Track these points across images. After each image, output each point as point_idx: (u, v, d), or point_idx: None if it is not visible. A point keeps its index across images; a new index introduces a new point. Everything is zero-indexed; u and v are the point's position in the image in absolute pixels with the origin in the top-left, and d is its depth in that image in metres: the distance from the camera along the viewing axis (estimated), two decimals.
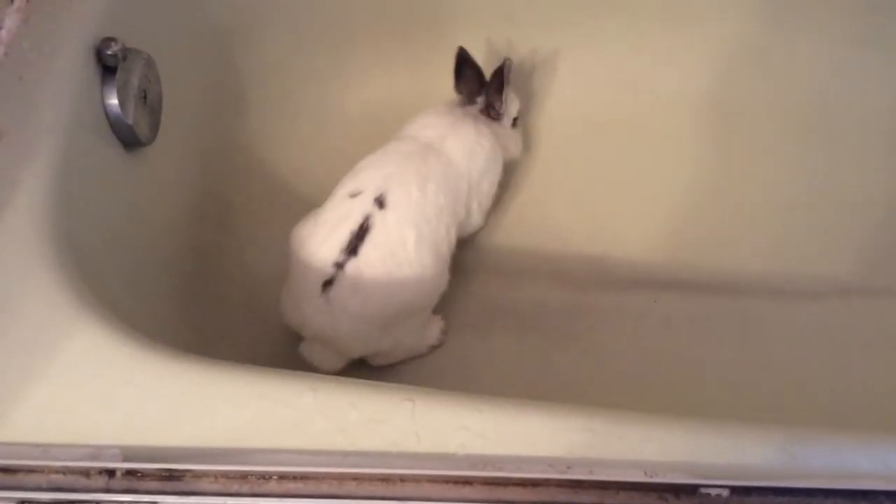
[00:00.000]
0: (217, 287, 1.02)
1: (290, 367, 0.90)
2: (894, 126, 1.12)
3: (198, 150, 1.04)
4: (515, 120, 1.08)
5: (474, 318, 1.02)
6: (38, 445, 0.61)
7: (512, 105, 1.06)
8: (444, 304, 1.03)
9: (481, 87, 1.03)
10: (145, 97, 0.87)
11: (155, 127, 0.91)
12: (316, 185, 1.11)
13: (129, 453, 0.61)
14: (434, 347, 1.00)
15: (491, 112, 1.04)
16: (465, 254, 1.07)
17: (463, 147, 0.98)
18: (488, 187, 1.02)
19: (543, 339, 1.00)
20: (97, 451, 0.61)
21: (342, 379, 0.66)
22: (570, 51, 1.17)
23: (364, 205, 0.89)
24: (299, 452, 0.61)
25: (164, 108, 0.93)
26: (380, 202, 0.89)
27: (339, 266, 0.87)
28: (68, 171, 0.74)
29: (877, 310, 0.99)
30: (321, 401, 0.63)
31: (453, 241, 0.95)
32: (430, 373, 0.97)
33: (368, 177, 0.91)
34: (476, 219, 1.02)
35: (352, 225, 0.88)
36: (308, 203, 1.10)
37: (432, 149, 0.96)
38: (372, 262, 0.87)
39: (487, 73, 1.02)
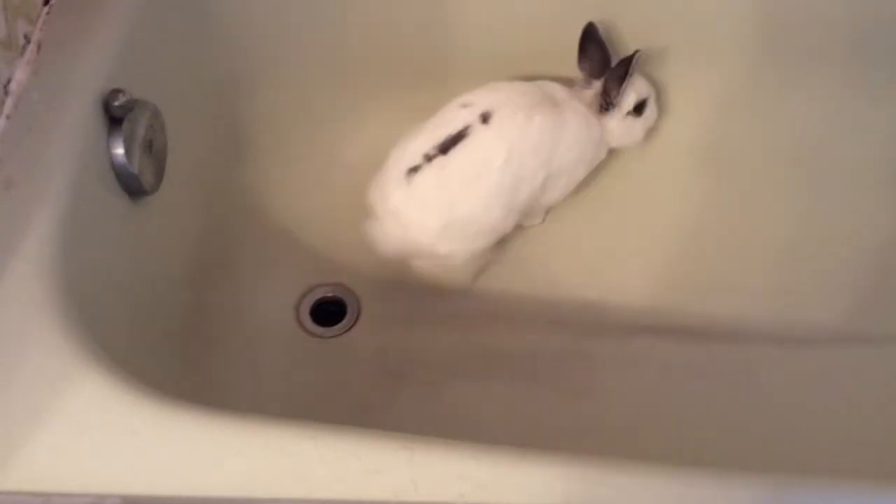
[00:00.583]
0: (219, 336, 1.03)
1: (291, 417, 0.91)
2: (883, 172, 1.14)
3: (201, 198, 1.05)
4: (639, 107, 1.07)
5: (472, 365, 1.02)
6: (38, 494, 0.62)
7: (629, 95, 1.05)
8: (444, 349, 1.04)
9: (603, 70, 1.04)
10: (151, 146, 0.89)
11: (159, 176, 0.92)
12: (319, 234, 1.13)
13: (130, 502, 0.61)
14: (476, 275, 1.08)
15: (604, 100, 1.04)
16: (462, 302, 1.08)
17: (579, 128, 1.02)
18: (580, 172, 1.06)
19: (541, 386, 1.00)
20: (98, 501, 0.61)
21: (342, 427, 0.66)
22: None
23: (469, 115, 0.97)
24: (300, 502, 0.61)
25: (169, 157, 0.95)
26: (484, 117, 0.96)
27: (428, 158, 0.96)
28: (74, 220, 0.76)
29: (874, 357, 0.99)
30: (321, 449, 0.63)
31: (525, 197, 1.00)
32: (428, 420, 0.97)
33: (484, 94, 0.99)
34: (553, 195, 1.05)
35: (451, 129, 0.96)
36: (310, 251, 1.12)
37: (554, 101, 1.02)
38: (457, 164, 0.96)
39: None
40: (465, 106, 0.98)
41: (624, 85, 1.02)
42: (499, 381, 1.01)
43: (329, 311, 1.08)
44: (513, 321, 1.07)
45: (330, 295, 1.09)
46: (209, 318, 1.03)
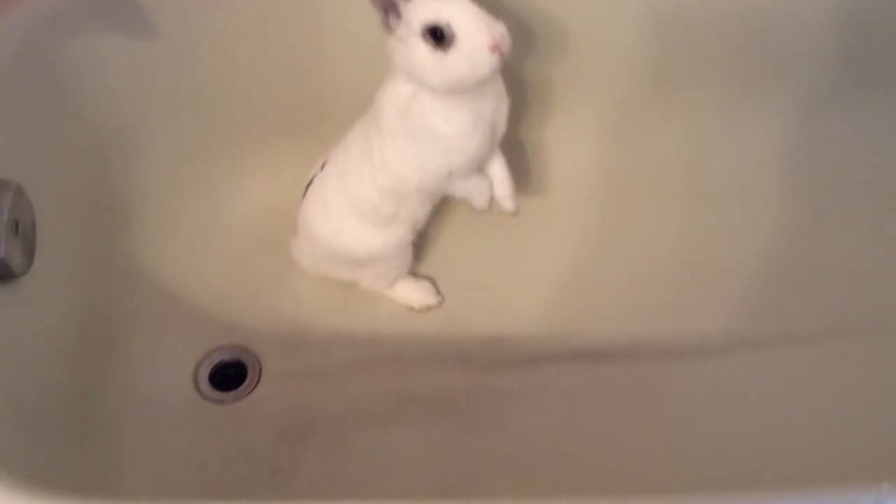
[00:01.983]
0: (115, 416, 0.98)
1: (199, 493, 0.88)
2: (758, 189, 1.19)
3: (79, 272, 1.01)
4: (436, 35, 0.81)
5: (380, 412, 1.01)
6: None
7: (418, 12, 0.82)
8: (351, 398, 1.02)
9: None
10: (17, 227, 0.84)
11: (29, 255, 0.88)
12: (210, 295, 1.10)
13: None
14: (415, 310, 1.09)
15: (383, 18, 0.85)
16: (364, 348, 1.07)
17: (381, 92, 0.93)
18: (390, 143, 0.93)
19: (452, 425, 1.00)
20: None
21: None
22: None
23: (317, 167, 1.04)
24: None
25: (40, 233, 0.90)
26: (322, 166, 1.03)
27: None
28: None
29: (763, 361, 1.03)
30: None
31: (389, 204, 0.98)
32: (339, 475, 0.95)
33: (335, 146, 1.03)
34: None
35: (310, 175, 1.04)
36: (203, 314, 1.09)
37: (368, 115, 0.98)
38: (304, 208, 1.04)
39: None
40: (323, 160, 1.04)
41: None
42: (409, 425, 1.00)
43: (229, 375, 1.05)
44: (417, 362, 1.06)
45: (228, 358, 1.06)
46: (102, 400, 0.98)
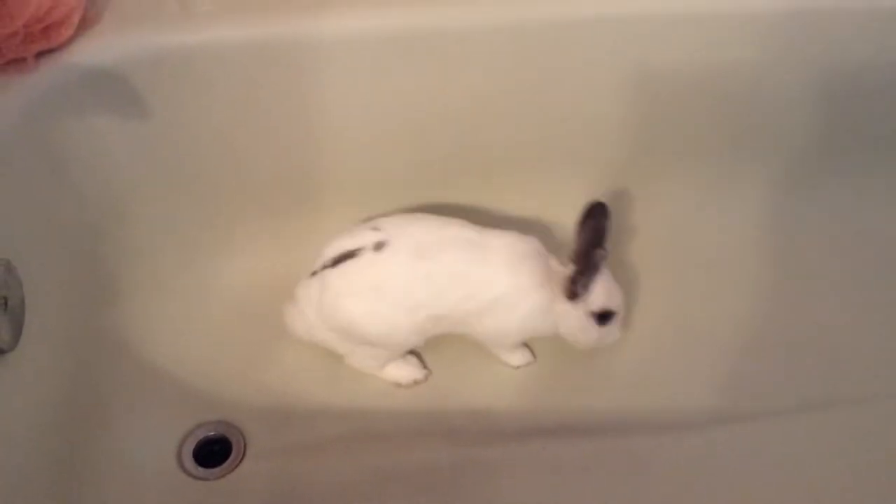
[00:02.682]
0: (96, 490, 0.97)
1: None
2: (739, 262, 1.23)
3: (66, 346, 1.01)
4: (603, 317, 1.00)
5: (364, 488, 1.00)
6: None
7: (600, 297, 0.98)
8: (336, 474, 1.01)
9: (588, 254, 0.96)
10: (6, 303, 0.85)
11: (17, 331, 0.88)
12: (195, 370, 1.10)
13: None
14: (402, 386, 1.09)
15: (570, 286, 0.97)
16: (351, 423, 1.06)
17: (489, 281, 0.98)
18: (498, 326, 1.02)
19: (438, 499, 0.99)
20: None
21: None
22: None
23: (367, 240, 0.99)
24: None
25: (28, 308, 0.90)
26: (378, 245, 0.98)
27: (324, 267, 1.01)
28: None
29: (748, 433, 1.04)
30: None
31: (426, 325, 1.01)
32: None
33: (399, 224, 1.02)
34: (489, 339, 1.06)
35: (349, 246, 1.00)
36: (188, 389, 1.09)
37: (479, 248, 0.99)
38: (337, 281, 1.00)
39: None
40: (374, 229, 1.01)
41: (589, 279, 0.97)
42: (395, 501, 0.99)
43: (213, 451, 1.04)
44: (403, 437, 1.05)
45: (212, 433, 1.05)
46: (86, 474, 0.97)
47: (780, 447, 1.03)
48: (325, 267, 1.01)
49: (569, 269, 0.98)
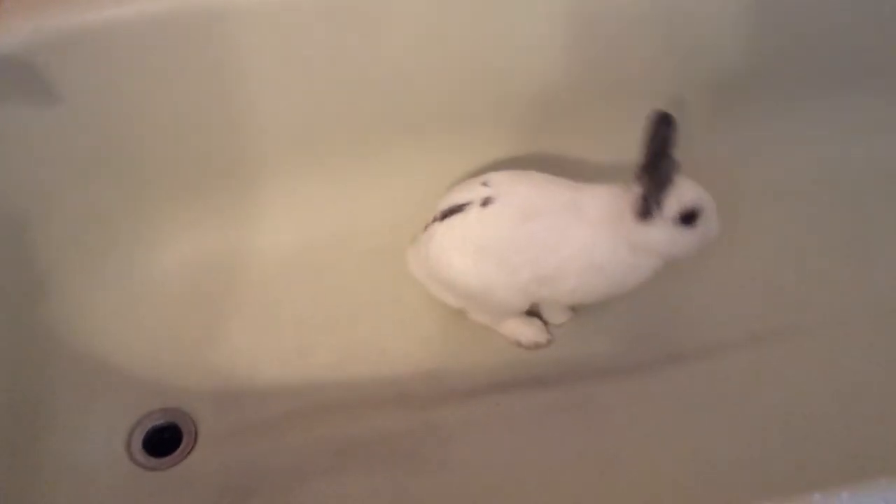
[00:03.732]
0: (46, 488, 0.95)
1: None
2: None
3: (1, 348, 0.97)
4: (688, 217, 0.91)
5: (323, 462, 0.99)
6: None
7: (671, 203, 0.91)
8: (291, 451, 1.00)
9: (655, 169, 0.90)
10: None
11: None
12: (139, 359, 1.07)
13: None
14: (521, 345, 1.08)
15: (643, 205, 0.91)
16: (303, 397, 1.05)
17: (586, 248, 0.95)
18: (600, 284, 0.99)
19: (396, 467, 0.98)
20: None
21: None
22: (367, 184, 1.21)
23: (476, 195, 0.98)
24: None
25: None
26: (486, 201, 0.97)
27: (434, 220, 1.02)
28: None
29: (694, 372, 1.05)
30: None
31: (529, 285, 0.99)
32: None
33: (508, 181, 1.00)
34: (566, 297, 1.02)
35: (459, 200, 1.00)
36: (133, 379, 1.06)
37: (573, 210, 0.96)
38: (443, 235, 1.00)
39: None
40: (484, 184, 0.99)
41: (664, 191, 0.90)
42: (354, 472, 0.98)
43: (164, 439, 1.02)
44: (357, 408, 1.04)
45: (162, 422, 1.03)
46: (34, 474, 0.95)
47: (732, 382, 1.04)
48: (435, 220, 1.02)
49: (637, 189, 0.91)
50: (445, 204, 1.01)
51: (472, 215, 0.98)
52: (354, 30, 1.06)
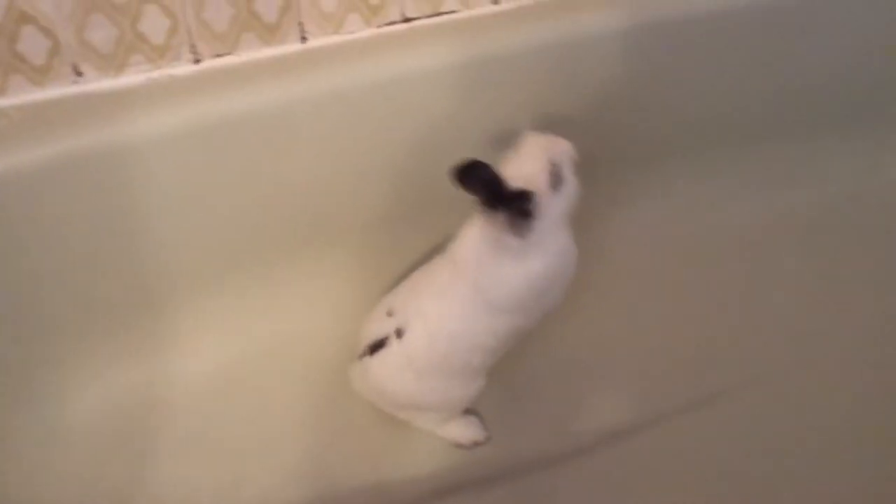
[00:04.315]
0: None
1: None
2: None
3: None
4: (555, 182, 0.91)
5: None
6: None
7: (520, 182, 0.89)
8: None
9: (500, 199, 0.88)
10: None
11: None
12: None
13: None
14: (462, 446, 1.07)
15: (519, 223, 0.89)
16: None
17: (493, 282, 0.94)
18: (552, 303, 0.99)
19: None
20: None
21: None
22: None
23: (389, 328, 0.99)
24: None
25: None
26: (398, 332, 0.98)
27: (362, 356, 1.02)
28: None
29: (638, 445, 1.06)
30: None
31: (480, 359, 0.99)
32: None
33: (405, 307, 1.00)
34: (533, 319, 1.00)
35: (378, 334, 1.00)
36: None
37: (469, 276, 0.95)
38: (376, 373, 1.01)
39: None
40: (389, 314, 1.01)
41: (531, 219, 0.89)
42: None
43: None
44: None
45: None
46: None
47: (670, 451, 1.06)
48: (364, 354, 1.02)
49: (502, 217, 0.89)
50: (367, 339, 1.02)
51: (395, 348, 0.98)
52: (250, 151, 1.07)
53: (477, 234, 0.93)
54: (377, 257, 1.22)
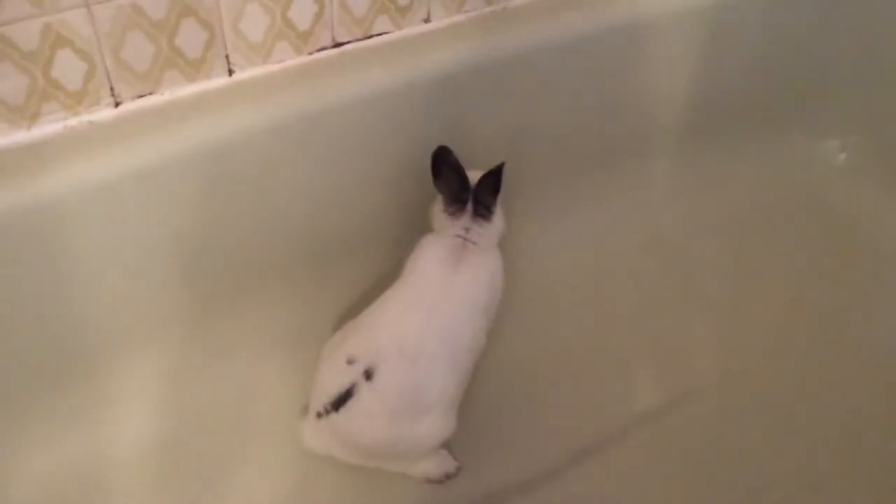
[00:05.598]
0: None
1: None
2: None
3: None
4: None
5: None
6: None
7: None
8: None
9: (462, 187, 1.04)
10: None
11: None
12: None
13: None
14: (434, 480, 1.04)
15: (484, 210, 1.05)
16: None
17: (476, 278, 1.02)
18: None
19: None
20: None
21: None
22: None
23: (351, 375, 0.94)
24: None
25: None
26: (367, 374, 0.93)
27: (326, 411, 0.96)
28: None
29: (610, 460, 1.06)
30: None
31: (464, 379, 1.00)
32: None
33: (366, 343, 0.96)
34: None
35: (340, 387, 0.94)
36: None
37: (434, 310, 0.98)
38: (349, 426, 0.95)
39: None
40: (350, 362, 0.95)
41: (500, 193, 1.05)
42: None
43: None
44: None
45: None
46: None
47: (639, 460, 1.07)
48: (328, 412, 0.96)
49: (469, 207, 1.04)
50: (327, 395, 0.96)
51: (365, 394, 0.94)
52: (180, 196, 1.01)
53: (435, 248, 1.03)
54: (319, 299, 1.17)
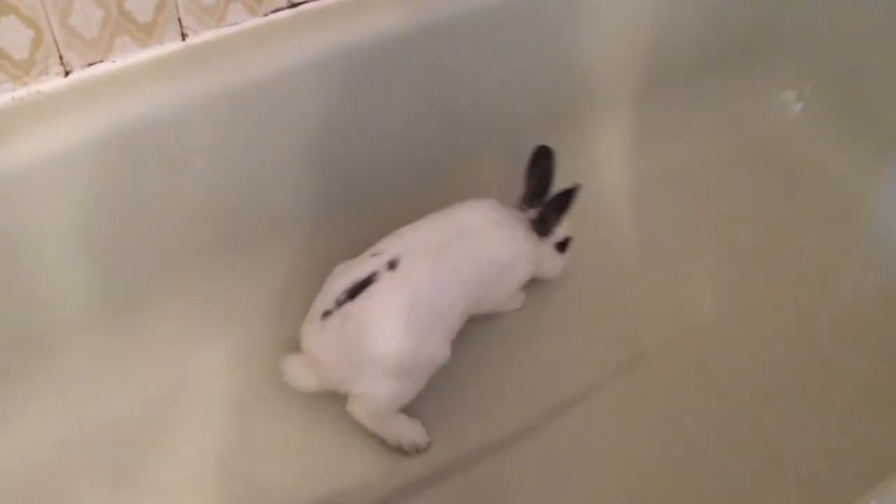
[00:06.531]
0: None
1: None
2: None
3: None
4: (563, 244, 1.14)
5: None
6: None
7: (563, 228, 1.12)
8: None
9: (542, 196, 1.10)
10: None
11: None
12: None
13: None
14: (404, 451, 1.02)
15: (541, 227, 1.10)
16: None
17: (497, 249, 1.06)
18: (508, 287, 1.12)
19: None
20: None
21: None
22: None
23: (377, 264, 0.97)
24: None
25: None
26: (391, 264, 0.97)
27: (339, 303, 0.96)
28: None
29: (579, 416, 1.08)
30: None
31: (457, 322, 1.03)
32: None
33: (394, 241, 1.01)
34: (498, 304, 1.13)
35: (360, 275, 0.97)
36: None
37: (466, 235, 1.03)
38: (363, 309, 0.95)
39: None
40: (374, 255, 0.99)
41: (564, 215, 1.10)
42: None
43: None
44: None
45: None
46: None
47: (608, 420, 1.09)
48: (340, 303, 0.96)
49: (532, 212, 1.10)
50: (344, 284, 0.97)
51: (386, 281, 0.96)
52: (136, 167, 0.98)
53: (487, 207, 1.08)
54: (286, 271, 1.16)
